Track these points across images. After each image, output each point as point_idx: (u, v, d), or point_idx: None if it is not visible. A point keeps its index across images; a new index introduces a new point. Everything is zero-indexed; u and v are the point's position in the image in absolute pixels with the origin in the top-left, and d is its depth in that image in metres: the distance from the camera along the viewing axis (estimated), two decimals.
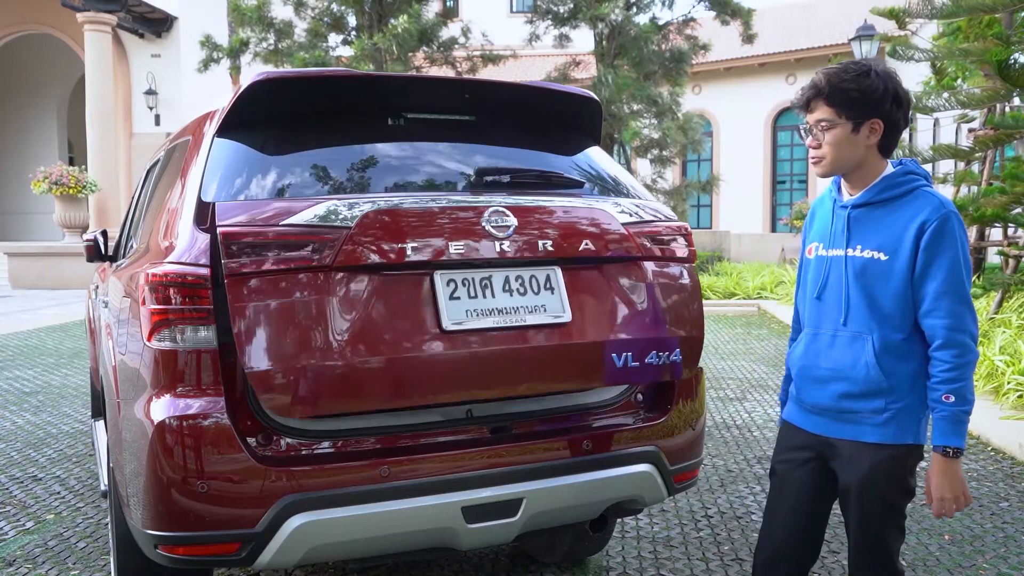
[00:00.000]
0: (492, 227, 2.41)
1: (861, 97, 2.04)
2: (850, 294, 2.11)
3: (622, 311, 2.57)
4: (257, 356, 2.15)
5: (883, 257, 2.07)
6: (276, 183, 2.40)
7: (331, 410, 2.24)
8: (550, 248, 2.48)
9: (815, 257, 2.24)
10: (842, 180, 2.19)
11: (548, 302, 2.47)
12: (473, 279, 2.40)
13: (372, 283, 2.28)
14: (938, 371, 2.02)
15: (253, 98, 2.48)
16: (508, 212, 2.45)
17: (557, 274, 2.51)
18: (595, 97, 3.02)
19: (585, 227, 2.56)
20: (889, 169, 2.12)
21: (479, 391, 2.40)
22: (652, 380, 2.63)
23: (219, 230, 2.19)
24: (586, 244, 2.54)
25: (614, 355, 2.50)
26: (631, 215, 2.67)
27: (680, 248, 2.74)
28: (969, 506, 4.07)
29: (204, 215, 2.31)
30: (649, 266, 2.64)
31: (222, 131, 2.50)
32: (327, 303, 2.21)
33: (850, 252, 2.12)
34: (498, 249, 2.40)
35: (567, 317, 2.47)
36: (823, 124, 2.07)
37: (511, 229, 2.43)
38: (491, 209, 2.43)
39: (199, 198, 2.36)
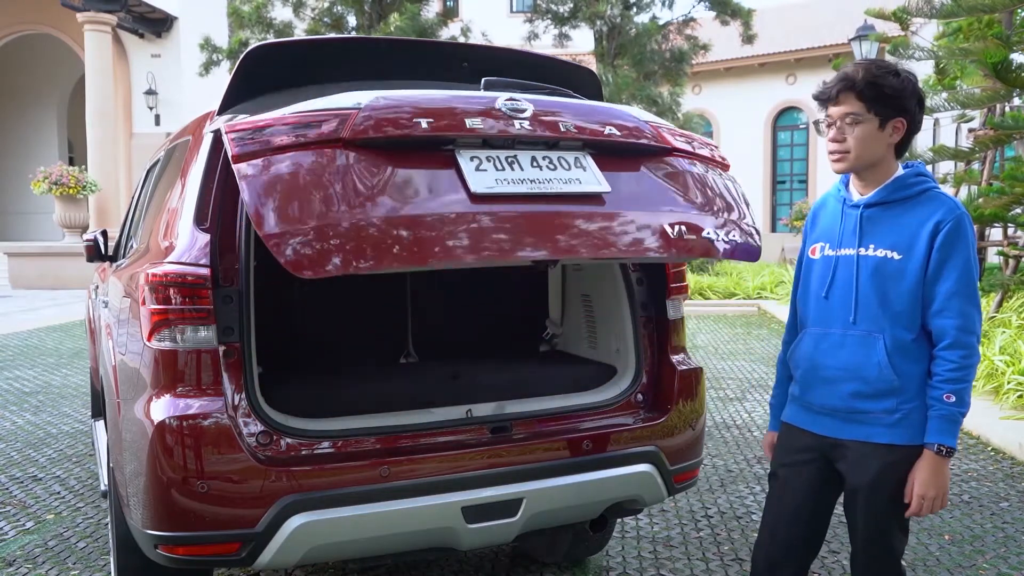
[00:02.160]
0: (508, 110, 2.29)
1: (892, 94, 2.04)
2: (860, 293, 2.11)
3: (662, 192, 2.44)
4: (270, 221, 1.98)
5: (896, 256, 2.06)
6: None
7: (353, 266, 2.00)
8: (574, 130, 2.35)
9: (820, 257, 2.22)
10: (852, 179, 2.19)
11: (582, 176, 2.32)
12: (498, 156, 2.27)
13: (389, 159, 2.15)
14: (943, 370, 2.02)
15: (255, 64, 2.48)
16: (522, 99, 2.35)
17: (587, 157, 2.37)
18: (592, 70, 2.99)
19: (609, 119, 2.46)
20: (900, 170, 2.13)
21: (515, 254, 2.17)
22: (697, 256, 2.45)
23: (224, 127, 2.12)
24: (612, 131, 2.41)
25: (662, 225, 2.34)
26: (655, 120, 2.58)
27: (713, 154, 2.62)
28: (968, 506, 4.12)
29: (204, 215, 2.31)
30: (684, 162, 2.53)
31: (226, 104, 2.51)
32: (343, 175, 2.08)
33: (862, 251, 2.11)
34: (518, 128, 2.27)
35: (605, 188, 2.32)
36: (851, 118, 2.06)
37: (528, 112, 2.32)
38: (505, 96, 2.33)
39: (211, 143, 2.34)
